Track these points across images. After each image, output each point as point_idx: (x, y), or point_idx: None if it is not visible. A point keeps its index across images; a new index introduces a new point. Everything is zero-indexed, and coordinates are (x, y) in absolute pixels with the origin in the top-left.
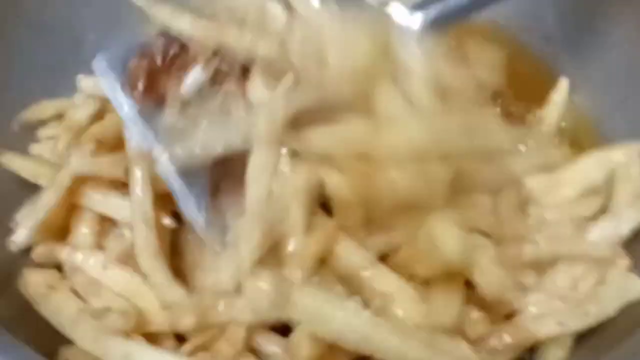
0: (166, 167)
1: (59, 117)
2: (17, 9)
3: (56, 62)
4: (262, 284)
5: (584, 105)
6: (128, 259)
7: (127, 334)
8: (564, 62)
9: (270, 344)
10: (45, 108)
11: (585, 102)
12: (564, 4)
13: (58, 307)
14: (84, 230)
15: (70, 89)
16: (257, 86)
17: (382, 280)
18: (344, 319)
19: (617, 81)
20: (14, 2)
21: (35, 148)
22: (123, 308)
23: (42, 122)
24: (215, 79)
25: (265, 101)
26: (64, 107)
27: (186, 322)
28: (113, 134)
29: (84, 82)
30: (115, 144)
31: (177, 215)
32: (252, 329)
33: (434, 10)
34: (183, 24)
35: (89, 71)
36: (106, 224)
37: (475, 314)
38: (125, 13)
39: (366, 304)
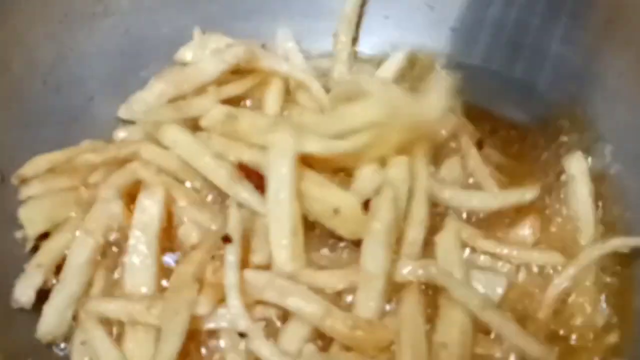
0: None
1: (51, 171)
2: (32, 65)
3: (68, 118)
4: None
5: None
6: None
7: None
8: None
9: None
10: (39, 162)
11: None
12: None
13: None
14: None
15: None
16: None
17: None
18: None
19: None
20: (31, 58)
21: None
22: None
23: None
24: None
25: None
26: (57, 160)
27: None
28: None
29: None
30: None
31: None
32: None
33: None
34: None
35: (99, 124)
36: None
37: None
38: (136, 72)
39: None
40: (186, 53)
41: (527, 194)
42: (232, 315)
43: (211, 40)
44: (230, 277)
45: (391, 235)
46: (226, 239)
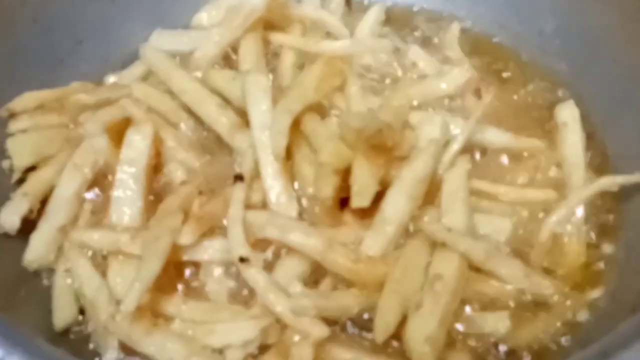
0: None
1: (40, 107)
2: (24, 5)
3: (56, 58)
4: None
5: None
6: None
7: None
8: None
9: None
10: (28, 98)
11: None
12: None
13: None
14: None
15: (66, 82)
16: None
17: None
18: None
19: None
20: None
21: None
22: None
23: (14, 115)
24: None
25: None
26: (47, 98)
27: None
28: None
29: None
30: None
31: None
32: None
33: None
34: None
35: (87, 68)
36: None
37: None
38: (126, 15)
39: None
40: (203, 16)
41: (538, 143)
42: (232, 243)
43: (224, 0)
44: (236, 210)
45: (418, 189)
46: (237, 178)
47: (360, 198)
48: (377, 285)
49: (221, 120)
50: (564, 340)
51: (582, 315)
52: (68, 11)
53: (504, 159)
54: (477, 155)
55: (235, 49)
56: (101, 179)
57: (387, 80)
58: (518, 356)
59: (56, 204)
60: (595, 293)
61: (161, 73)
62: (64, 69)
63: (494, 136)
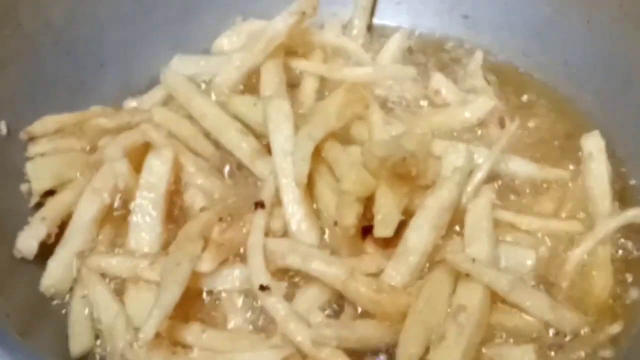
0: None
1: (59, 131)
2: (47, 28)
3: (77, 81)
4: None
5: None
6: None
7: None
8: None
9: None
10: (48, 122)
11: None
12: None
13: None
14: None
15: (87, 106)
16: None
17: None
18: None
19: None
20: (45, 21)
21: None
22: None
23: (34, 138)
24: None
25: None
26: (66, 121)
27: None
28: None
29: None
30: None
31: None
32: None
33: None
34: None
35: (108, 91)
36: None
37: None
38: (147, 39)
39: None
40: (223, 41)
41: (563, 173)
42: (253, 271)
43: (245, 26)
44: (256, 238)
45: (442, 218)
46: (258, 205)
47: (383, 227)
48: (400, 316)
49: (242, 147)
50: None
51: (606, 352)
52: (90, 35)
53: (528, 189)
54: (501, 186)
55: (256, 75)
56: (120, 204)
57: (410, 108)
58: None
59: (74, 229)
60: (616, 327)
61: (181, 98)
62: (85, 92)
63: (519, 166)
